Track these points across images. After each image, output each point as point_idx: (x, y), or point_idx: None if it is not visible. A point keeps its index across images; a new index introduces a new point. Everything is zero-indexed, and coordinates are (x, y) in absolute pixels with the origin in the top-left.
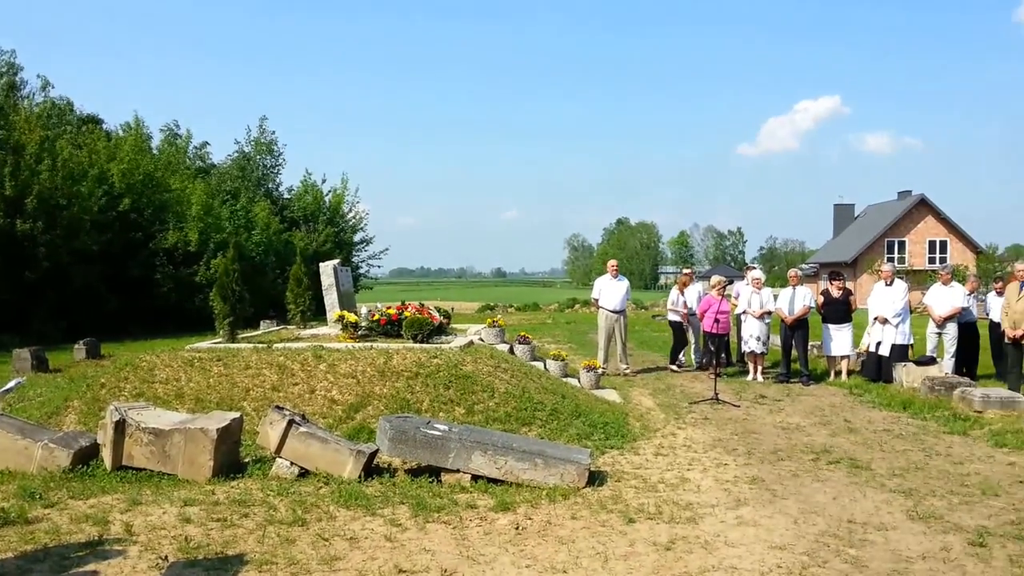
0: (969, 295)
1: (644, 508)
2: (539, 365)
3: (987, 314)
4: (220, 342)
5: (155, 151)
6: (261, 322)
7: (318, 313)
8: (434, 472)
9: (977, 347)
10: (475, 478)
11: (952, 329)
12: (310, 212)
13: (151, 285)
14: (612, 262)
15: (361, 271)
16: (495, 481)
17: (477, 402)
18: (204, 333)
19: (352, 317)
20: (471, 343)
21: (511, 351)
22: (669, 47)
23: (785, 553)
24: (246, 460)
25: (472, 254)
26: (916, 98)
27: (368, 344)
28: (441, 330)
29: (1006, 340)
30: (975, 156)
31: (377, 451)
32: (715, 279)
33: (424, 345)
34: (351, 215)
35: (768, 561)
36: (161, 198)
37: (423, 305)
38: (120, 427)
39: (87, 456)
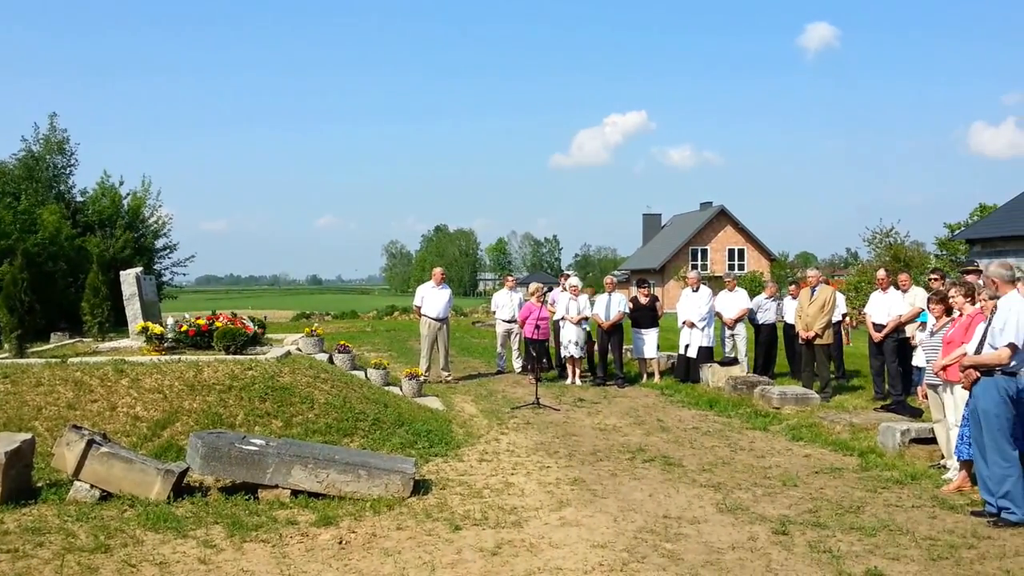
0: (768, 299)
1: (470, 514)
2: (360, 374)
3: (783, 317)
4: (7, 357)
5: None
6: (52, 335)
7: (118, 324)
8: (251, 489)
9: (775, 347)
10: (295, 493)
11: (741, 330)
12: (107, 216)
13: None
14: (437, 270)
15: (165, 279)
16: (317, 495)
17: (296, 414)
18: None
19: (157, 328)
20: (288, 353)
21: (330, 361)
22: (485, 56)
23: (606, 551)
24: (39, 485)
25: (285, 261)
26: (714, 115)
27: (176, 357)
28: (256, 340)
29: (799, 341)
30: (767, 170)
31: (187, 470)
32: (533, 286)
33: (238, 357)
34: (153, 219)
35: (591, 560)
36: None
37: (235, 315)
38: None
39: None
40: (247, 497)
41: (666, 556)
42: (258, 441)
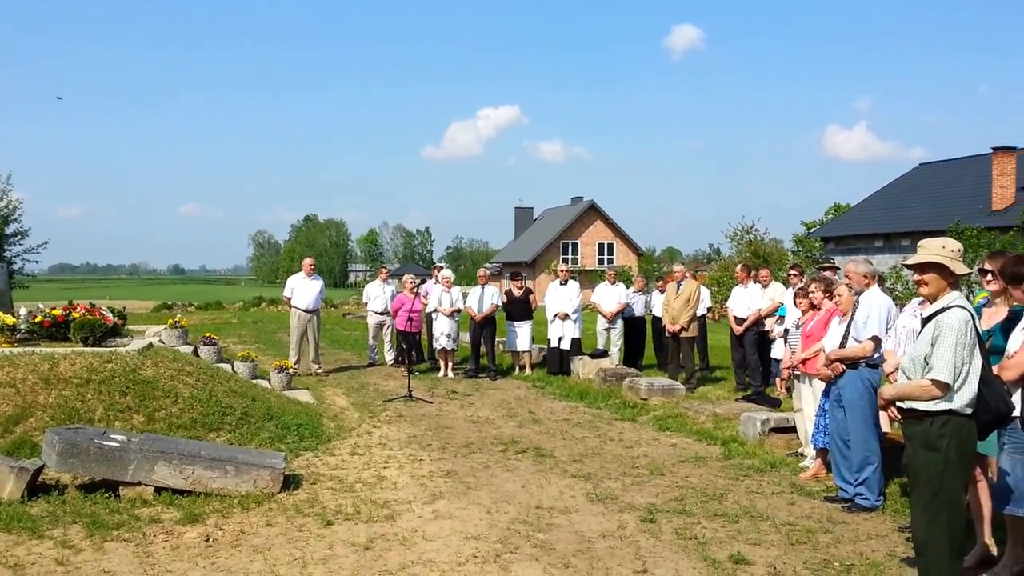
0: (636, 292)
1: (342, 509)
2: (227, 367)
3: (650, 310)
4: None
5: None
6: None
7: None
8: (111, 487)
9: (643, 340)
10: (159, 490)
11: (619, 323)
12: None
13: None
14: (308, 260)
15: (16, 267)
16: (182, 492)
17: (159, 408)
18: None
19: (9, 319)
20: (150, 345)
21: (195, 353)
22: (357, 45)
23: (480, 543)
24: None
25: (146, 249)
26: (584, 111)
27: (29, 349)
28: (116, 332)
29: (666, 334)
30: (636, 167)
31: (43, 467)
32: (407, 278)
33: (97, 349)
34: (2, 204)
35: (464, 552)
36: None
37: (93, 305)
38: None
39: None
40: (107, 495)
41: (538, 546)
42: (119, 437)
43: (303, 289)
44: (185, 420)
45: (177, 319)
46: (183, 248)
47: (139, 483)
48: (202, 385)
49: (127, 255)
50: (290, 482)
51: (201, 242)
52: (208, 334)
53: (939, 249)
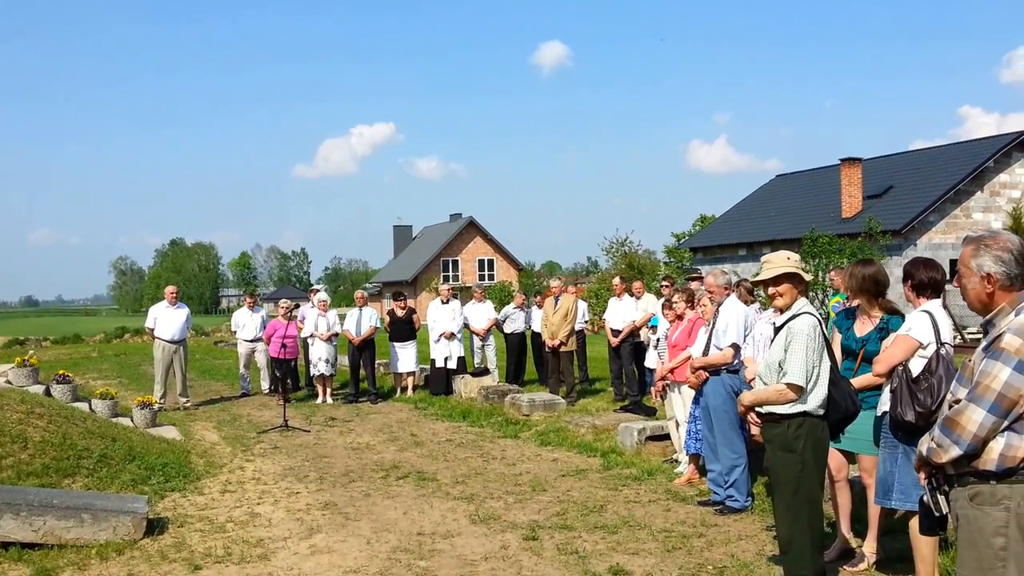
0: (516, 308)
1: (211, 552)
2: (83, 406)
3: (530, 326)
4: None
5: None
6: None
7: None
8: None
9: (525, 356)
10: (6, 545)
11: (491, 340)
12: None
13: None
14: (170, 288)
15: None
16: (33, 546)
17: (6, 456)
18: None
19: None
20: None
21: (48, 393)
22: (220, 60)
23: (359, 575)
24: None
25: None
26: (458, 128)
27: None
28: None
29: (546, 349)
30: (511, 182)
31: None
32: (281, 303)
33: None
34: None
35: None
36: None
37: None
38: None
39: None
40: None
41: (420, 574)
42: None
43: (167, 319)
44: (36, 467)
45: (27, 357)
46: (36, 278)
47: None
48: (55, 427)
49: None
50: (154, 526)
51: (56, 271)
52: (61, 371)
53: (785, 261)
